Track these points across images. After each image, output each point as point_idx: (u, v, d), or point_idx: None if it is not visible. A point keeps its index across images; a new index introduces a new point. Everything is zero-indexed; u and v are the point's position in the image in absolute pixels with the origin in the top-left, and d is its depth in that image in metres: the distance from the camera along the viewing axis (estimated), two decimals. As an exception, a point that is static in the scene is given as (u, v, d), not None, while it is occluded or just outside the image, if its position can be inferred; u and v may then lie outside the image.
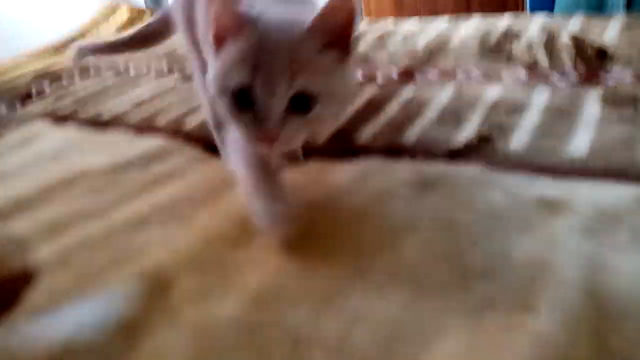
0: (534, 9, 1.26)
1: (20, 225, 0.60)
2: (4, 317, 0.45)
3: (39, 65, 1.26)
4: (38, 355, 0.40)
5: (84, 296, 0.46)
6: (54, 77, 1.16)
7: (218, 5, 0.46)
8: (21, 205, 0.64)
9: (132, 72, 1.13)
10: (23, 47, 1.36)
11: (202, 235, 0.54)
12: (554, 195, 0.51)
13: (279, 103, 0.44)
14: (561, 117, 0.67)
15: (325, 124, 0.53)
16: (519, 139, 0.63)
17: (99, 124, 0.88)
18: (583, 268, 0.41)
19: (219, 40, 0.48)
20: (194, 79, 0.74)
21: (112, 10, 1.63)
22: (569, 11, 1.14)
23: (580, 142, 0.60)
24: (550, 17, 1.03)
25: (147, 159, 0.72)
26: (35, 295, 0.48)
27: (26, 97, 1.07)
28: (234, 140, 0.56)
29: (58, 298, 0.47)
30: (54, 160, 0.76)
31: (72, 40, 1.43)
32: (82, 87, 1.08)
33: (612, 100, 0.68)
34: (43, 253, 0.54)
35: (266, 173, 0.54)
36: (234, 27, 0.46)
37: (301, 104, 0.45)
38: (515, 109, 0.70)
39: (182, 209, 0.59)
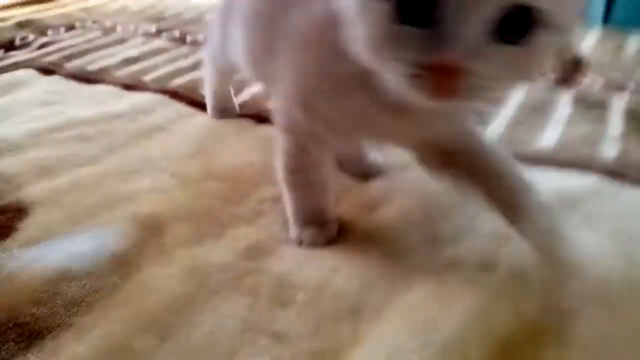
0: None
1: (10, 165, 0.62)
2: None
3: (21, 14, 1.25)
4: (35, 278, 0.43)
5: (77, 231, 0.50)
6: (38, 28, 1.16)
7: None
8: (9, 147, 0.66)
9: (119, 31, 1.14)
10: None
11: (193, 188, 0.57)
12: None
13: (479, 16, 0.27)
14: (534, 113, 0.73)
15: (535, 67, 0.31)
16: (494, 129, 0.69)
17: (85, 77, 0.90)
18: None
19: None
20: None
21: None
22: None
23: (549, 136, 0.67)
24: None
25: (135, 112, 0.75)
26: (28, 228, 0.51)
27: (9, 46, 1.07)
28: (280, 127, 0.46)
29: (51, 232, 0.50)
30: (41, 107, 0.78)
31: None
32: (68, 41, 1.09)
33: (582, 103, 0.75)
34: (34, 192, 0.57)
35: (313, 189, 0.48)
36: None
37: (513, 28, 0.28)
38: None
39: (171, 161, 0.62)
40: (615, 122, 0.70)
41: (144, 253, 0.47)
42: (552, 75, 0.85)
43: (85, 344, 0.36)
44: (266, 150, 0.57)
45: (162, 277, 0.44)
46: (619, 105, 0.74)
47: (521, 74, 0.31)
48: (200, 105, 0.76)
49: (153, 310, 0.40)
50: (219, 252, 0.47)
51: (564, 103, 0.75)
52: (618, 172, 0.58)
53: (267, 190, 0.55)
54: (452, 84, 0.28)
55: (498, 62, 0.28)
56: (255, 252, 0.48)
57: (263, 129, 0.70)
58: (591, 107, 0.74)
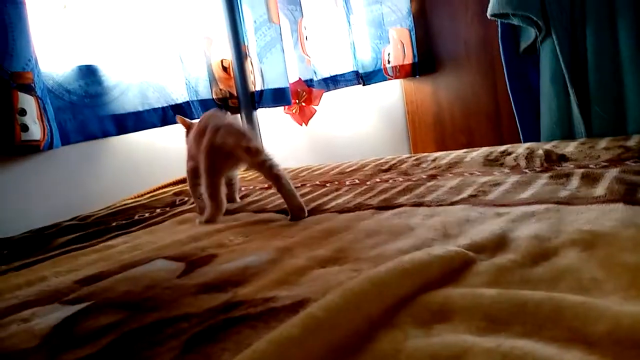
0: (526, 140, 1.78)
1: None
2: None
3: (175, 189, 1.86)
4: (235, 268, 0.87)
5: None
6: (190, 195, 1.75)
7: None
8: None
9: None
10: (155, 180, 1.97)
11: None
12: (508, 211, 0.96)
13: None
14: (521, 185, 1.13)
15: None
16: (494, 195, 1.10)
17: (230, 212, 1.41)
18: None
19: None
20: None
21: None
22: (550, 139, 1.65)
23: (527, 193, 1.06)
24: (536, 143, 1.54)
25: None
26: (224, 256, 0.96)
27: (171, 205, 1.64)
28: None
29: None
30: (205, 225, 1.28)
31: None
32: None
33: (555, 176, 1.15)
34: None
35: None
36: None
37: None
38: (496, 184, 1.18)
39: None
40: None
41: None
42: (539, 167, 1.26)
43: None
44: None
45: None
46: (585, 176, 1.14)
47: None
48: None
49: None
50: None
51: (543, 179, 1.16)
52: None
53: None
54: None
55: None
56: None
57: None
58: (560, 177, 1.14)
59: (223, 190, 1.23)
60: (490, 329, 0.55)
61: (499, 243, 0.80)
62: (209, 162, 1.20)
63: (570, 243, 0.75)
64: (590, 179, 1.07)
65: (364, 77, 2.83)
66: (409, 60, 3.01)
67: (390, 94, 3.14)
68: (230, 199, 1.49)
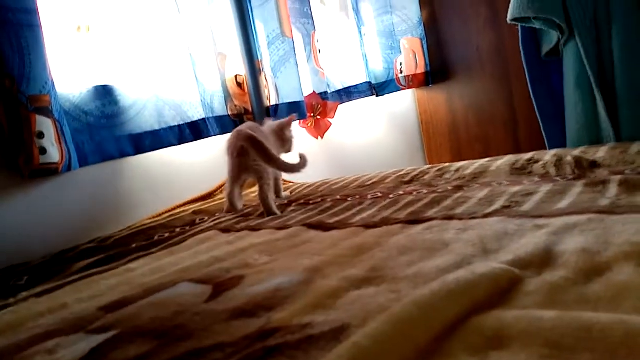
0: (552, 146, 1.73)
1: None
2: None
3: (194, 207, 1.83)
4: (266, 291, 0.82)
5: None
6: (209, 213, 1.71)
7: None
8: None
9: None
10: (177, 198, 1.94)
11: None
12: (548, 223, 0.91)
13: None
14: (556, 194, 1.08)
15: None
16: (529, 205, 1.04)
17: (251, 229, 1.37)
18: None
19: None
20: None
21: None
22: (577, 146, 1.59)
23: (564, 203, 1.01)
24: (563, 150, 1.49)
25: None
26: (253, 276, 0.91)
27: (191, 224, 1.60)
28: None
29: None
30: (227, 244, 1.24)
31: (215, 191, 2.02)
32: (226, 218, 1.61)
33: (590, 184, 1.10)
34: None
35: None
36: None
37: None
38: (528, 194, 1.13)
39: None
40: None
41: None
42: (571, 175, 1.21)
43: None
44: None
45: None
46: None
47: None
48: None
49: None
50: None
51: (577, 187, 1.10)
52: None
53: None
54: None
55: None
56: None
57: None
58: (596, 185, 1.08)
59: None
60: (555, 356, 0.50)
61: (545, 258, 0.75)
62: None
63: (623, 256, 0.69)
64: (630, 186, 1.01)
65: (377, 88, 2.79)
66: (421, 69, 2.97)
67: (403, 104, 3.10)
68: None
